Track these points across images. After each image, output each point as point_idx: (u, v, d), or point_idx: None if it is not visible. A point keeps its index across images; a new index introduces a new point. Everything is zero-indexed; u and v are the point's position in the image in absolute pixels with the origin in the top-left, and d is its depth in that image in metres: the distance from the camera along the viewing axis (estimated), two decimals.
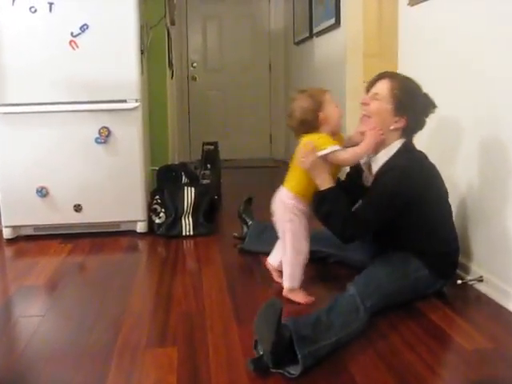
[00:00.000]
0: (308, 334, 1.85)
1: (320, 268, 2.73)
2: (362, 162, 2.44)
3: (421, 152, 2.36)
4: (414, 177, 2.26)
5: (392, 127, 2.31)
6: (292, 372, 1.77)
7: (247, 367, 1.80)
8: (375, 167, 2.36)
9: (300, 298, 2.38)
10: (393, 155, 2.31)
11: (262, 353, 1.81)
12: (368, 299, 2.10)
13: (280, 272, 2.51)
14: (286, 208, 2.40)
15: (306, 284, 2.46)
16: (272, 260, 2.63)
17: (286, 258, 2.42)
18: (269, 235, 2.85)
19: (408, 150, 2.33)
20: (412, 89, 2.32)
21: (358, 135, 2.39)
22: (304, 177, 2.35)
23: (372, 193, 2.30)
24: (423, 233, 2.32)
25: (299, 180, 2.39)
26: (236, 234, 3.21)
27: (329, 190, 2.28)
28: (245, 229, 3.14)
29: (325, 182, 2.29)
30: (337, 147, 2.28)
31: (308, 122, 2.34)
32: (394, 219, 2.28)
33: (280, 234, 2.46)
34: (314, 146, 2.28)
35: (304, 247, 2.40)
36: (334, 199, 2.27)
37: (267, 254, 2.79)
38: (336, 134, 2.37)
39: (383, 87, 2.31)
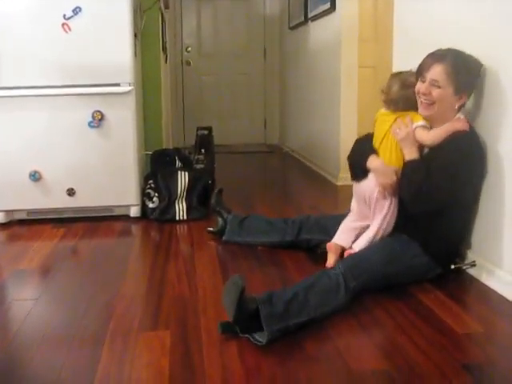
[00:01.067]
0: (279, 311, 1.91)
1: (315, 255, 2.73)
2: None
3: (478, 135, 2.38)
4: (477, 152, 2.31)
5: (456, 106, 2.33)
6: (259, 340, 1.85)
7: (240, 351, 1.81)
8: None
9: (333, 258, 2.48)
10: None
11: None
12: (353, 280, 2.13)
13: (340, 256, 2.49)
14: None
15: (300, 271, 2.48)
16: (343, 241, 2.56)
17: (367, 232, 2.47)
18: (249, 223, 2.87)
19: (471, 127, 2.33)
20: (466, 64, 2.31)
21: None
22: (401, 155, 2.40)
23: (438, 163, 2.27)
24: (442, 221, 2.33)
25: (400, 159, 2.41)
26: (211, 229, 3.06)
27: (411, 161, 2.34)
28: (220, 222, 2.98)
29: (411, 154, 2.34)
30: (426, 124, 2.37)
31: (413, 98, 2.39)
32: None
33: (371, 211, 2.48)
34: (410, 119, 2.37)
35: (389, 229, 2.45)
36: (414, 170, 2.31)
37: (251, 243, 2.82)
38: None
39: (440, 72, 2.28)
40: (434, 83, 2.29)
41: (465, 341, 1.90)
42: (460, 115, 2.35)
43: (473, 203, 2.42)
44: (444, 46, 2.52)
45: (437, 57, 2.32)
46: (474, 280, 2.41)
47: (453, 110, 2.33)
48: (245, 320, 1.88)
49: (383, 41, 4.33)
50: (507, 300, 2.20)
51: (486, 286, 2.35)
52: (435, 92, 2.29)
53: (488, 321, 2.06)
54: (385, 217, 2.42)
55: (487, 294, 2.28)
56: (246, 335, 1.89)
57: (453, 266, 2.40)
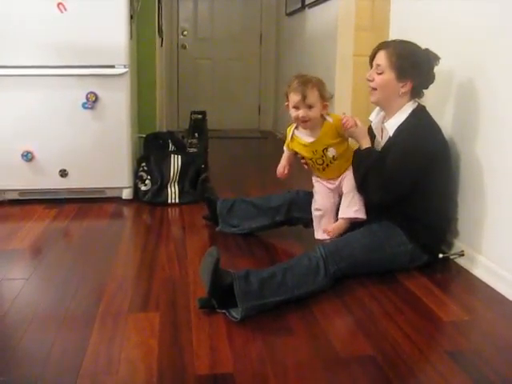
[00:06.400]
0: (255, 289, 1.95)
1: (303, 233, 2.77)
2: (374, 127, 2.51)
3: (433, 119, 2.40)
4: (432, 135, 2.34)
5: (400, 92, 2.35)
6: (235, 315, 1.91)
7: (229, 334, 1.84)
8: (390, 131, 2.39)
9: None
10: (408, 117, 2.35)
11: None
12: (334, 265, 2.16)
13: None
14: None
15: (291, 255, 2.50)
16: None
17: None
18: (237, 211, 2.85)
19: (422, 112, 2.37)
20: (409, 51, 2.34)
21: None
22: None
23: (393, 154, 2.33)
24: (419, 205, 2.35)
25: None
26: (205, 215, 3.03)
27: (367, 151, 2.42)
28: (210, 209, 2.95)
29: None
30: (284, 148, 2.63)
31: None
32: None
33: None
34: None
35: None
36: (375, 159, 2.37)
37: (244, 231, 2.82)
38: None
39: (381, 58, 2.35)
40: (378, 68, 2.36)
41: (450, 328, 1.92)
42: (412, 103, 2.37)
43: (447, 191, 2.45)
44: (440, 35, 2.53)
45: (382, 44, 2.41)
46: (460, 269, 2.44)
47: (397, 96, 2.36)
48: (220, 293, 1.93)
49: (380, 30, 4.31)
50: (493, 289, 2.23)
51: (472, 274, 2.38)
52: (378, 78, 2.37)
53: (473, 309, 2.09)
54: None
55: (473, 283, 2.31)
56: (223, 311, 1.94)
57: (441, 255, 2.43)
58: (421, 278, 2.32)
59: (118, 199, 3.50)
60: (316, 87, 2.36)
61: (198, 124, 4.37)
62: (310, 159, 2.48)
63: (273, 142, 6.48)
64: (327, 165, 2.45)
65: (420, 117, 2.36)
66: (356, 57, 4.44)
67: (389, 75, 2.34)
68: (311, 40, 5.23)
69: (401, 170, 2.30)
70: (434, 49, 2.35)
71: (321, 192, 2.56)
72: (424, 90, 2.42)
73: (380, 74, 2.36)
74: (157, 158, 3.57)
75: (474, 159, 2.41)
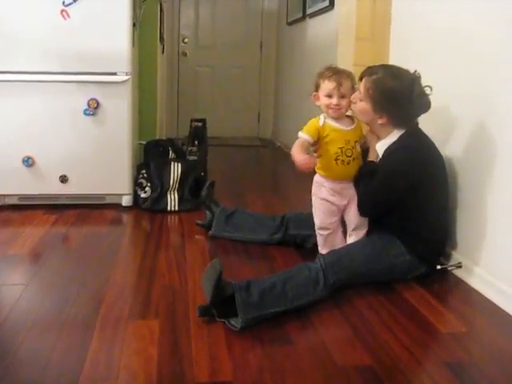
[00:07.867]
0: (255, 300, 1.97)
1: (304, 250, 2.75)
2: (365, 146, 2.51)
3: (426, 137, 2.39)
4: (418, 160, 2.33)
5: (378, 123, 2.36)
6: (234, 325, 1.92)
7: (228, 342, 1.84)
8: (379, 152, 2.40)
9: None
10: (396, 141, 2.34)
11: None
12: (333, 275, 2.18)
13: None
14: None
15: (289, 264, 2.51)
16: None
17: None
18: (236, 220, 2.88)
19: (412, 134, 2.36)
20: (388, 88, 2.30)
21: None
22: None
23: (377, 175, 2.36)
24: (416, 218, 2.36)
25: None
26: (200, 222, 3.06)
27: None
28: (209, 215, 2.99)
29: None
30: (300, 134, 2.39)
31: None
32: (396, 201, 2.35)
33: None
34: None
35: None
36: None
37: (238, 240, 2.84)
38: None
39: (362, 86, 2.36)
40: (358, 94, 2.37)
41: (448, 339, 1.93)
42: (399, 131, 2.35)
43: (445, 204, 2.46)
44: (440, 45, 2.53)
45: (369, 70, 2.38)
46: (458, 280, 2.45)
47: (377, 125, 2.37)
48: (221, 304, 1.95)
49: (380, 40, 4.34)
50: (490, 301, 2.24)
51: (470, 286, 2.39)
52: (358, 103, 2.38)
53: (471, 321, 2.11)
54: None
55: (471, 295, 2.33)
56: (222, 319, 1.95)
57: (439, 267, 2.44)
58: (419, 289, 2.33)
59: (117, 206, 3.51)
60: (349, 78, 2.39)
61: (198, 132, 4.38)
62: (340, 148, 2.38)
63: (272, 150, 6.50)
64: (353, 159, 2.40)
65: (408, 140, 2.34)
66: (356, 66, 4.43)
67: (366, 105, 2.35)
68: (311, 49, 5.25)
69: (379, 192, 2.38)
70: (434, 60, 2.36)
71: (325, 211, 2.50)
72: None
73: (360, 100, 2.37)
74: (157, 166, 3.58)
75: (473, 172, 2.42)
